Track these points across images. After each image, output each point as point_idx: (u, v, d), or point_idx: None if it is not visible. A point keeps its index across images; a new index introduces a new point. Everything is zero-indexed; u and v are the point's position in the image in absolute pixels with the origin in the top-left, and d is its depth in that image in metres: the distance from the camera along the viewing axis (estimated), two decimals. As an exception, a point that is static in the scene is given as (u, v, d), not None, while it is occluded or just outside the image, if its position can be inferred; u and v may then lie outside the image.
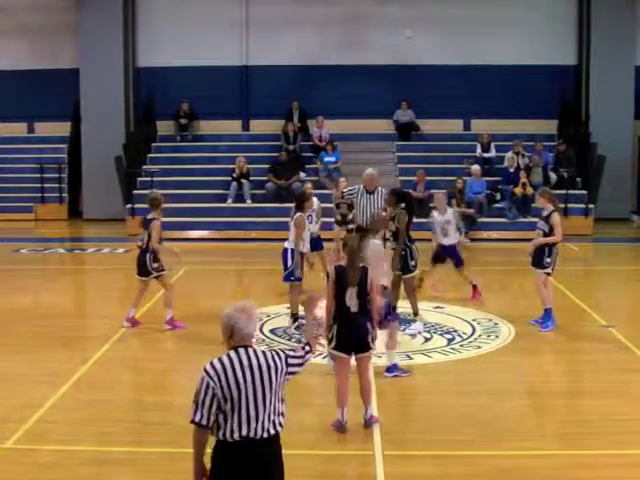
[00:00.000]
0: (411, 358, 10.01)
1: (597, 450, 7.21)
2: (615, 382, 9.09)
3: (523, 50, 22.71)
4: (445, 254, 12.83)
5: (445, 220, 12.74)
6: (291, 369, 4.83)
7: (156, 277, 11.16)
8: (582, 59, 22.91)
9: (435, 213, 12.89)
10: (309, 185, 14.94)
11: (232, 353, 4.67)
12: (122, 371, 9.85)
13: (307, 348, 5.01)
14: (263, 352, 4.74)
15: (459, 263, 12.94)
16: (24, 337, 10.95)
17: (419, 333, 10.97)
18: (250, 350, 4.68)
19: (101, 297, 13.61)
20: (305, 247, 11.33)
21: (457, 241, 12.97)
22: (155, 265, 11.06)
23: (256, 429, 4.61)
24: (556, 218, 11.05)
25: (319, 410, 7.85)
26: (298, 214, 11.12)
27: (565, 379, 9.37)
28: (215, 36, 23.15)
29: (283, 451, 4.78)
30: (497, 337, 10.84)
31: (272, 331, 11.12)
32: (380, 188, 12.10)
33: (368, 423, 7.65)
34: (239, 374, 4.59)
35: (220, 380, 4.58)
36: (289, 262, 11.01)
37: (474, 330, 11.21)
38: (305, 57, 23.20)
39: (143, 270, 11.12)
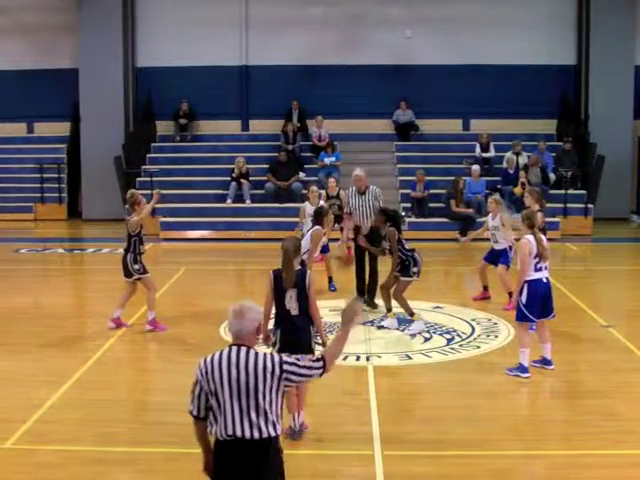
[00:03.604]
0: (410, 358, 10.02)
1: (597, 450, 7.21)
2: (615, 382, 9.09)
3: (523, 50, 22.71)
4: (493, 257, 12.65)
5: (493, 226, 12.58)
6: (287, 375, 4.69)
7: (138, 279, 11.16)
8: (582, 59, 22.91)
9: (489, 217, 12.84)
10: (314, 186, 15.01)
11: (225, 349, 4.74)
12: (122, 371, 9.86)
13: (318, 364, 4.78)
14: (256, 353, 4.72)
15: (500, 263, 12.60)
16: (24, 337, 10.95)
17: (419, 333, 10.96)
18: (243, 349, 4.70)
19: (101, 297, 13.59)
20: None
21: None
22: (136, 267, 11.06)
23: (243, 428, 4.61)
24: (540, 218, 11.12)
25: (319, 410, 7.84)
26: (317, 228, 11.03)
27: (565, 379, 9.35)
28: (215, 36, 23.14)
29: (284, 453, 4.76)
30: (496, 337, 10.85)
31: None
32: (372, 187, 12.39)
33: (299, 431, 7.33)
34: (224, 370, 4.64)
35: (207, 373, 4.69)
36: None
37: (473, 330, 11.22)
38: (305, 57, 23.20)
39: (126, 271, 11.14)
